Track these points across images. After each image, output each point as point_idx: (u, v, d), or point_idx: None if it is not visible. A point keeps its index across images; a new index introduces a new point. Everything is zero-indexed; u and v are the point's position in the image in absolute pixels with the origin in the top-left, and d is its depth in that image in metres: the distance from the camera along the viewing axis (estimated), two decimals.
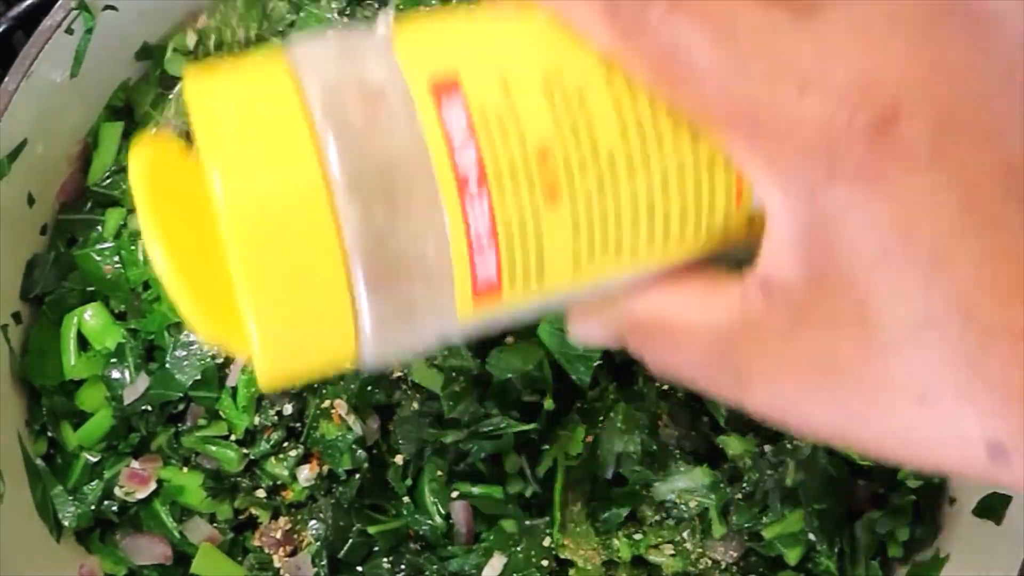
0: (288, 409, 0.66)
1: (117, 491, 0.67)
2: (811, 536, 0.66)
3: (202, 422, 0.67)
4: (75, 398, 0.68)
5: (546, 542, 0.67)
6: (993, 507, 0.64)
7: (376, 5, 0.68)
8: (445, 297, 0.27)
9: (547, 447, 0.68)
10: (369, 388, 0.67)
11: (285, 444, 0.67)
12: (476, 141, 0.25)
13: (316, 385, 0.66)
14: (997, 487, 0.65)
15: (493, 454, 0.67)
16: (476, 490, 0.67)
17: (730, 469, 0.67)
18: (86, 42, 0.64)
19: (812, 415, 0.26)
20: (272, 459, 0.67)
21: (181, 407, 0.67)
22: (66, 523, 0.67)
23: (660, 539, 0.67)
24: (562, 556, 0.67)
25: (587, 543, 0.67)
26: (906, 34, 0.23)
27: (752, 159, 0.24)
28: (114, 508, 0.68)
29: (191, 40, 0.70)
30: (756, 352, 0.26)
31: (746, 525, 0.66)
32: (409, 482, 0.68)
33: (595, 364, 0.66)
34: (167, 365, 0.65)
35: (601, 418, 0.66)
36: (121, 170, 0.70)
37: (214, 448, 0.66)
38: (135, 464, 0.67)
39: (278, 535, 0.67)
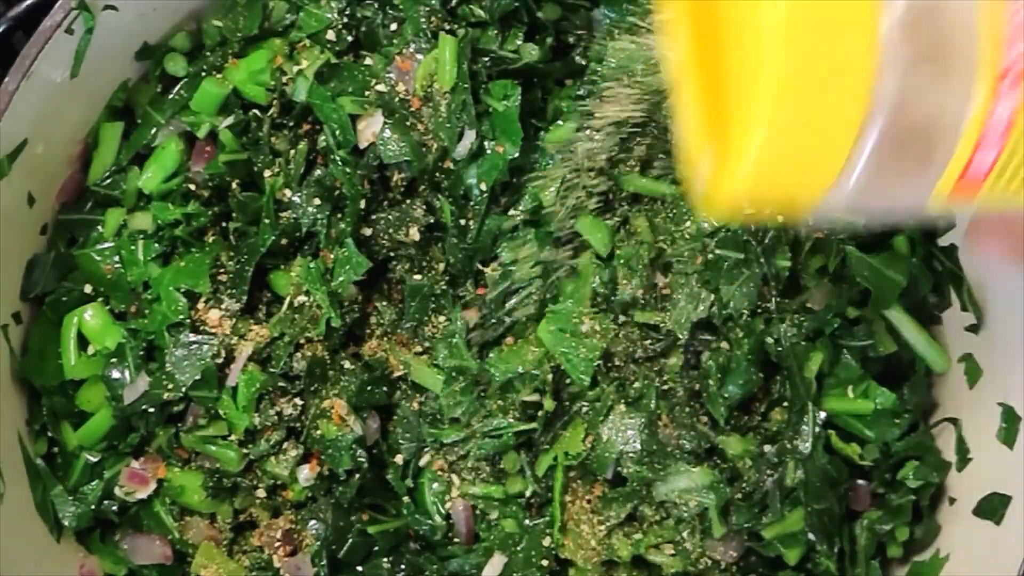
0: (288, 409, 0.66)
1: (117, 491, 0.67)
2: (811, 536, 0.66)
3: (202, 422, 0.67)
4: (75, 398, 0.68)
5: (546, 542, 0.67)
6: (993, 507, 0.64)
7: (376, 5, 0.68)
8: (933, 174, 0.28)
9: (547, 447, 0.68)
10: (369, 388, 0.67)
11: (285, 444, 0.67)
12: None
13: (316, 386, 0.67)
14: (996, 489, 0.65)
15: (493, 454, 0.67)
16: (476, 490, 0.68)
17: (730, 469, 0.67)
18: (86, 42, 0.64)
19: None
20: (272, 459, 0.67)
21: (181, 407, 0.67)
22: (66, 523, 0.67)
23: (660, 539, 0.67)
24: (562, 556, 0.67)
25: (587, 543, 0.67)
26: None
27: None
28: (114, 508, 0.68)
29: (191, 40, 0.71)
30: None
31: (746, 525, 0.66)
32: (409, 482, 0.68)
33: (595, 364, 0.66)
34: (167, 365, 0.65)
35: (601, 418, 0.66)
36: (121, 170, 0.70)
37: (214, 448, 0.66)
38: (135, 464, 0.67)
39: (278, 535, 0.67)
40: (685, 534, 0.66)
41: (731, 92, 0.27)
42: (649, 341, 0.67)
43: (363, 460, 0.66)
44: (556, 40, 0.70)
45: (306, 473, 0.66)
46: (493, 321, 0.68)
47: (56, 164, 0.68)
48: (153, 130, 0.69)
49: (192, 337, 0.66)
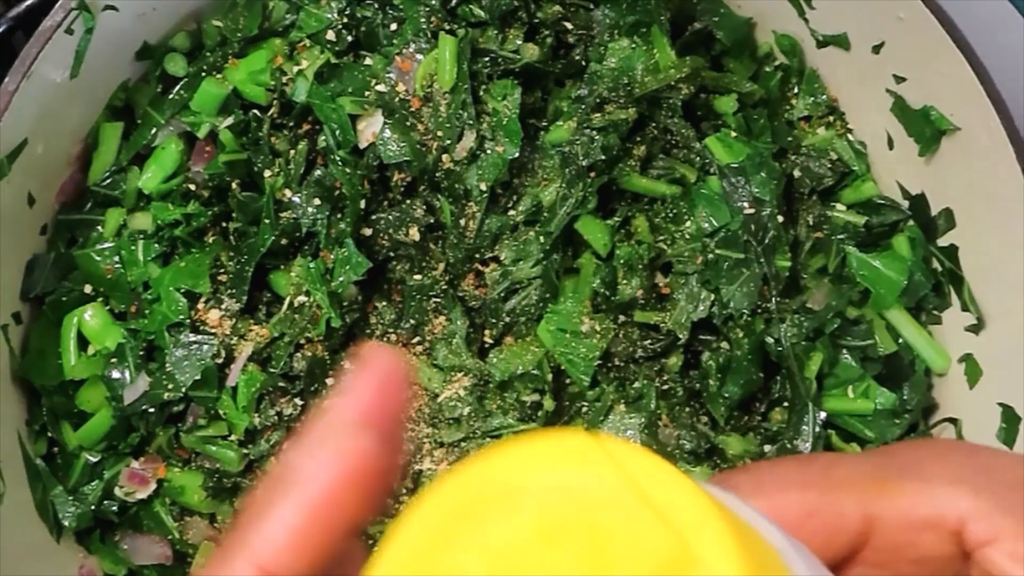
0: (288, 409, 0.66)
1: (117, 491, 0.67)
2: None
3: (202, 422, 0.67)
4: (75, 398, 0.68)
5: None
6: None
7: (376, 5, 0.68)
8: None
9: None
10: None
11: (285, 444, 0.67)
12: None
13: (316, 385, 0.67)
14: None
15: None
16: None
17: (730, 469, 0.67)
18: (86, 42, 0.64)
19: None
20: (272, 459, 0.67)
21: (181, 407, 0.67)
22: (66, 523, 0.67)
23: None
24: None
25: None
26: None
27: None
28: (114, 508, 0.68)
29: (191, 40, 0.71)
30: None
31: None
32: (409, 483, 0.68)
33: (595, 364, 0.66)
34: (167, 365, 0.65)
35: (601, 418, 0.66)
36: (121, 170, 0.70)
37: (214, 448, 0.66)
38: (135, 464, 0.67)
39: None
40: None
41: None
42: (649, 341, 0.67)
43: None
44: (556, 40, 0.70)
45: None
46: (493, 321, 0.68)
47: (56, 164, 0.68)
48: (153, 130, 0.69)
49: (192, 337, 0.66)
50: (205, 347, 0.65)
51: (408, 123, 0.66)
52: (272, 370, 0.66)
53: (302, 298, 0.66)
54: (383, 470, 0.25)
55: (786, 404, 0.68)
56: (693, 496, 0.23)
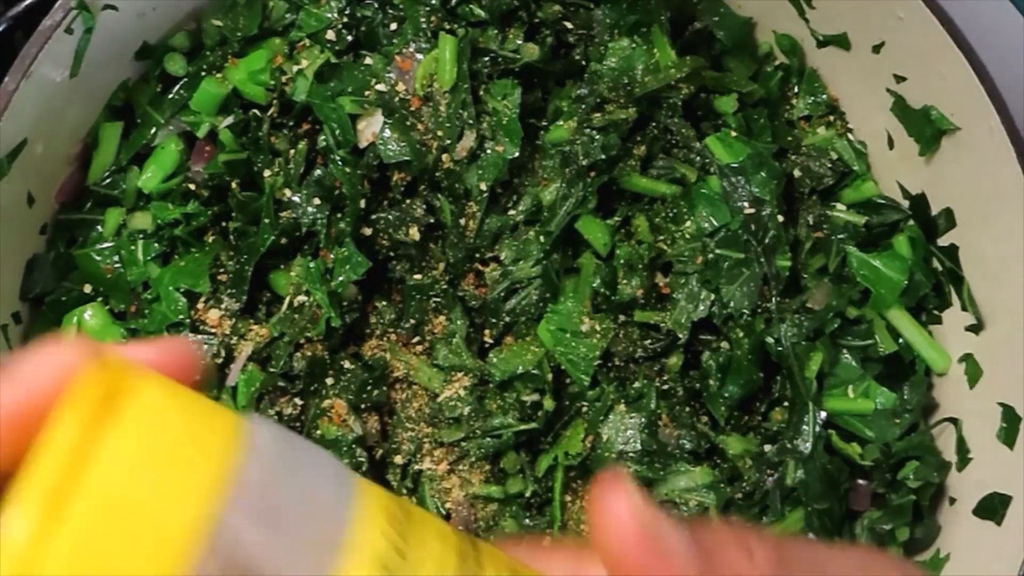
0: (288, 409, 0.66)
1: None
2: (811, 536, 0.66)
3: None
4: None
5: (546, 542, 0.67)
6: (993, 507, 0.64)
7: (376, 5, 0.68)
8: None
9: (547, 447, 0.68)
10: (369, 388, 0.67)
11: None
12: None
13: (315, 386, 0.67)
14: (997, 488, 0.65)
15: (493, 454, 0.67)
16: (476, 490, 0.67)
17: (730, 469, 0.67)
18: (86, 42, 0.64)
19: None
20: None
21: None
22: None
23: None
24: None
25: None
26: None
27: None
28: None
29: (191, 40, 0.71)
30: None
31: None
32: (409, 482, 0.68)
33: (595, 364, 0.66)
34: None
35: (601, 418, 0.66)
36: (121, 170, 0.70)
37: None
38: None
39: None
40: None
41: None
42: (649, 341, 0.67)
43: (363, 460, 0.66)
44: (556, 40, 0.70)
45: None
46: (493, 321, 0.68)
47: (56, 164, 0.68)
48: (153, 130, 0.69)
49: (192, 337, 0.66)
50: (205, 347, 0.65)
51: (408, 123, 0.66)
52: (272, 370, 0.66)
53: (302, 298, 0.66)
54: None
55: (786, 404, 0.68)
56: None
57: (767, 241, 0.67)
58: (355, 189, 0.66)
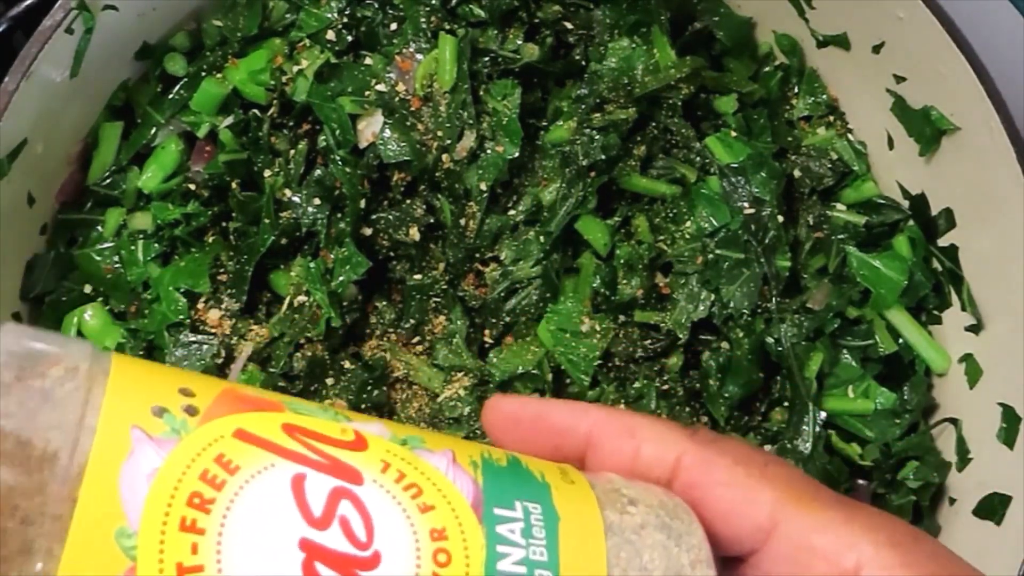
0: None
1: None
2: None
3: None
4: None
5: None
6: (993, 507, 0.64)
7: (376, 5, 0.68)
8: None
9: None
10: (369, 388, 0.67)
11: None
12: None
13: (316, 386, 0.67)
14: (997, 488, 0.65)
15: None
16: None
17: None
18: (86, 42, 0.64)
19: None
20: None
21: None
22: None
23: None
24: None
25: None
26: None
27: None
28: None
29: (191, 40, 0.71)
30: None
31: None
32: None
33: (595, 364, 0.66)
34: (167, 365, 0.65)
35: None
36: (121, 170, 0.70)
37: None
38: None
39: None
40: None
41: None
42: (649, 341, 0.67)
43: None
44: (556, 40, 0.70)
45: None
46: (493, 321, 0.68)
47: (56, 164, 0.68)
48: (153, 130, 0.69)
49: (192, 337, 0.66)
50: (205, 347, 0.65)
51: (408, 123, 0.66)
52: (272, 370, 0.66)
53: (302, 298, 0.66)
54: None
55: (786, 404, 0.68)
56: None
57: (767, 241, 0.67)
58: (355, 189, 0.66)
